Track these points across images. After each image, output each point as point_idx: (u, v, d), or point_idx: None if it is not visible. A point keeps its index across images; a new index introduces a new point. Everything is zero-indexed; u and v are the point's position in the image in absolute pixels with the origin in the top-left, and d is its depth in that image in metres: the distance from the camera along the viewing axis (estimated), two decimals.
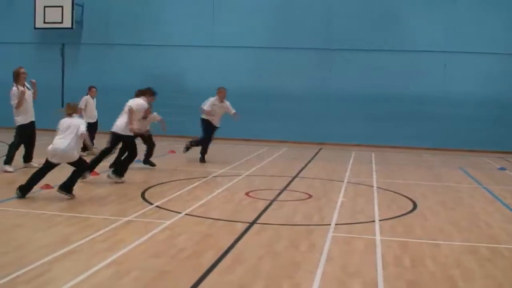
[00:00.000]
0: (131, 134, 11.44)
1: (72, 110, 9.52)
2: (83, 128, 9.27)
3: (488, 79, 20.49)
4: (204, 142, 14.84)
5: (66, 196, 9.31)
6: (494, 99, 20.45)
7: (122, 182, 11.22)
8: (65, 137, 9.20)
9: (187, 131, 19.71)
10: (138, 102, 11.59)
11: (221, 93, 14.83)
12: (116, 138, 11.43)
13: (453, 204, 10.42)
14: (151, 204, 9.27)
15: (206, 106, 14.53)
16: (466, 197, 11.27)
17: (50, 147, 9.25)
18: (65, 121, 9.37)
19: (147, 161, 13.58)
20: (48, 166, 9.39)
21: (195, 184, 11.42)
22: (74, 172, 9.45)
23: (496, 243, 7.72)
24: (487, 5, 20.54)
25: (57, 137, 9.29)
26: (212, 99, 14.71)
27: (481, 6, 20.58)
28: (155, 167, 13.45)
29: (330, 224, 8.36)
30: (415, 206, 10.04)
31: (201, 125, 14.77)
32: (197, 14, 22.20)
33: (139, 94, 11.89)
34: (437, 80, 20.73)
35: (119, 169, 11.45)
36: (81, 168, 9.56)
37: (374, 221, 8.72)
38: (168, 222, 8.03)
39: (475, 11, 20.54)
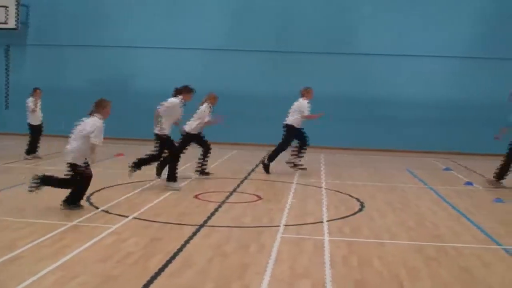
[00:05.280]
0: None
1: None
2: None
3: (430, 81, 20.93)
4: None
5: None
6: (437, 100, 20.87)
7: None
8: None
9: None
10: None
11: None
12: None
13: (399, 205, 10.60)
14: (97, 208, 9.13)
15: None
16: (412, 198, 11.47)
17: None
18: None
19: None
20: None
21: (143, 187, 11.30)
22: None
23: (442, 242, 7.88)
24: (433, 10, 21.01)
25: None
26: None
27: (428, 11, 21.04)
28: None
29: (279, 226, 8.40)
30: (362, 206, 10.17)
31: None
32: (151, 15, 22.00)
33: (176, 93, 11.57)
34: (385, 83, 21.04)
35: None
36: None
37: (322, 222, 8.80)
38: (115, 226, 7.92)
39: (423, 16, 21.01)
